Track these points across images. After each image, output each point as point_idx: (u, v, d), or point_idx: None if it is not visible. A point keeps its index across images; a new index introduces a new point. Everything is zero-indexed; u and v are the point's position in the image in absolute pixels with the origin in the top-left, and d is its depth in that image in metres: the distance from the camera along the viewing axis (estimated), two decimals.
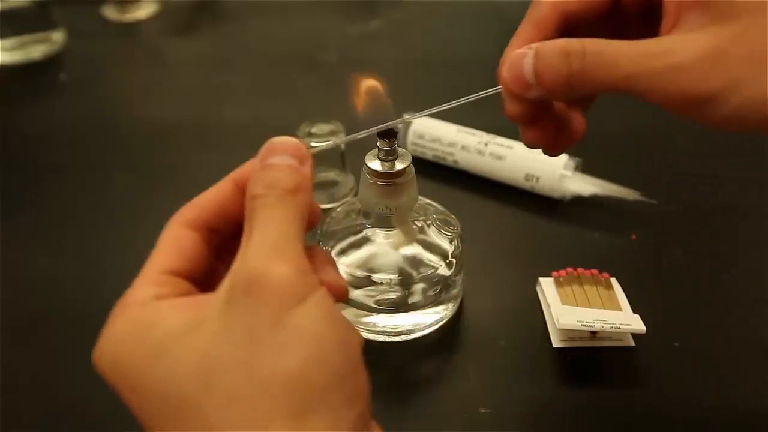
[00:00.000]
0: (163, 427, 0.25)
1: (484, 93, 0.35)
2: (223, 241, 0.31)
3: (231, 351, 0.25)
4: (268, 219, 0.27)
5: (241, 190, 0.30)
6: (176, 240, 0.30)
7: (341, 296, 0.29)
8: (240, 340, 0.25)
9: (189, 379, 0.25)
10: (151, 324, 0.27)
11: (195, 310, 0.27)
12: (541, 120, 0.35)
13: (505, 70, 0.33)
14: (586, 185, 0.56)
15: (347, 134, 0.56)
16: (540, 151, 0.38)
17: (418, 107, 0.57)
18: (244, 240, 0.27)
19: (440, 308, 0.47)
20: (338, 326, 0.26)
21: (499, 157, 0.58)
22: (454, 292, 0.48)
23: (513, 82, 0.33)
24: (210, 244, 0.31)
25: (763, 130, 0.30)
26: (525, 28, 0.36)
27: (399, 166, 0.43)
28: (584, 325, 0.44)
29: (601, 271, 0.50)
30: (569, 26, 0.36)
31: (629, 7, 0.35)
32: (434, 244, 0.47)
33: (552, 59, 0.32)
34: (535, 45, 0.32)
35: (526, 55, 0.32)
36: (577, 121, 0.37)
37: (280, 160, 0.29)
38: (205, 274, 0.30)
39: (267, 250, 0.26)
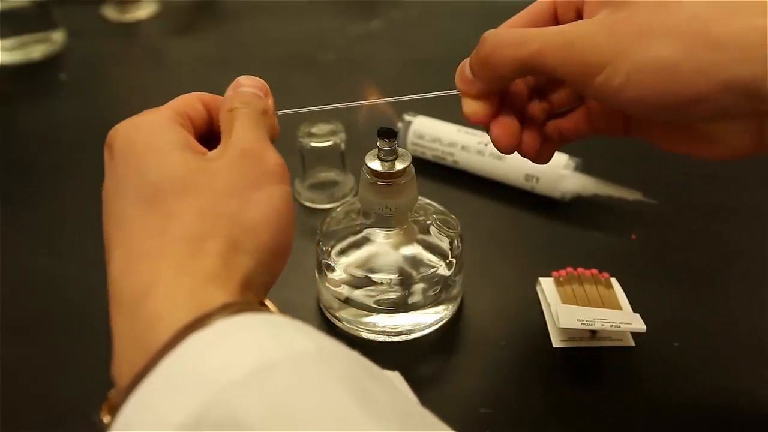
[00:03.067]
0: (133, 207, 0.30)
1: (442, 93, 0.40)
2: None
3: (215, 181, 0.31)
4: (249, 121, 0.34)
5: None
6: (193, 102, 0.36)
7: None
8: (224, 179, 0.31)
9: (174, 180, 0.31)
10: (167, 131, 0.33)
11: (197, 145, 0.33)
12: (498, 118, 0.39)
13: (457, 79, 0.38)
14: (586, 185, 0.56)
15: (347, 135, 0.57)
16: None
17: (418, 107, 0.57)
18: (226, 132, 0.34)
19: (440, 308, 0.47)
20: (290, 216, 0.33)
21: (499, 157, 0.58)
22: (454, 292, 0.48)
23: (462, 83, 0.38)
24: (208, 123, 0.36)
25: (655, 100, 0.32)
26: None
27: (399, 166, 0.43)
28: (584, 324, 0.44)
29: (601, 271, 0.50)
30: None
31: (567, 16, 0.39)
32: (434, 244, 0.47)
33: (473, 52, 0.37)
34: None
35: (465, 61, 0.38)
36: (547, 130, 0.41)
37: (249, 89, 0.36)
38: (198, 139, 0.35)
39: (257, 137, 0.33)
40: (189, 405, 0.23)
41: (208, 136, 0.36)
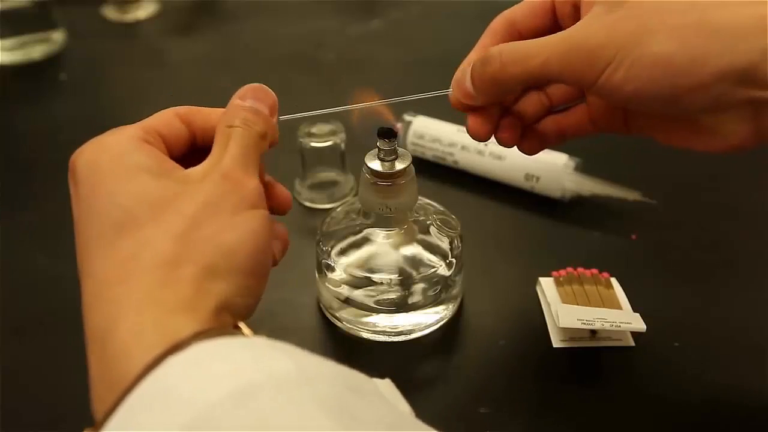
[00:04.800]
0: (100, 233, 0.30)
1: (435, 93, 0.40)
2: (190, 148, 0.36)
3: (190, 205, 0.30)
4: (243, 145, 0.33)
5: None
6: (168, 118, 0.35)
7: (288, 206, 0.38)
8: (200, 203, 0.30)
9: (145, 204, 0.30)
10: (134, 152, 0.32)
11: (169, 164, 0.32)
12: (482, 109, 0.39)
13: (455, 88, 0.39)
14: (586, 185, 0.56)
15: (347, 135, 0.57)
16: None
17: (418, 107, 0.57)
18: (218, 150, 0.33)
19: (440, 308, 0.47)
20: (268, 237, 0.32)
21: (499, 157, 0.58)
22: (454, 292, 0.48)
23: (462, 96, 0.38)
24: (188, 139, 0.35)
25: (653, 92, 0.33)
26: (482, 37, 0.41)
27: (399, 166, 0.43)
28: (584, 324, 0.44)
29: (601, 271, 0.50)
30: (521, 35, 0.40)
31: (565, 18, 0.39)
32: (434, 244, 0.47)
33: (477, 68, 0.37)
34: (472, 60, 0.38)
35: (465, 72, 0.38)
36: (546, 126, 0.42)
37: (256, 105, 0.35)
38: (177, 156, 0.35)
39: (242, 164, 0.32)
40: (170, 426, 0.23)
41: (191, 150, 0.35)
